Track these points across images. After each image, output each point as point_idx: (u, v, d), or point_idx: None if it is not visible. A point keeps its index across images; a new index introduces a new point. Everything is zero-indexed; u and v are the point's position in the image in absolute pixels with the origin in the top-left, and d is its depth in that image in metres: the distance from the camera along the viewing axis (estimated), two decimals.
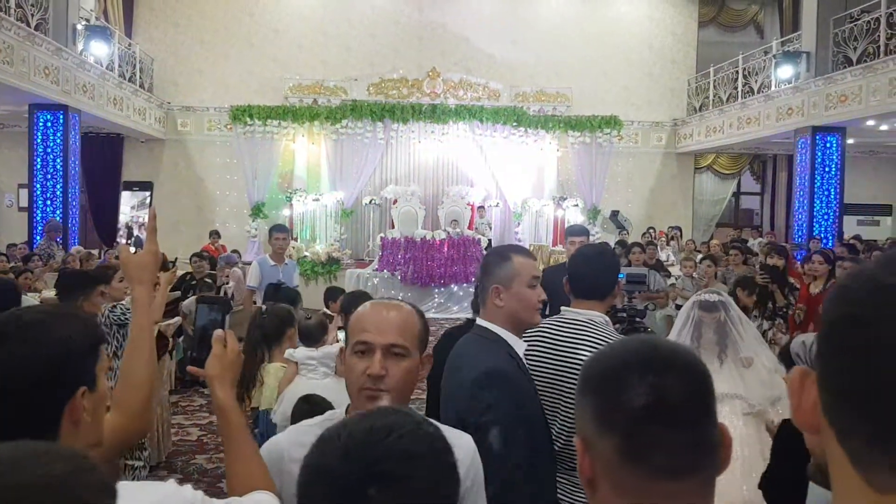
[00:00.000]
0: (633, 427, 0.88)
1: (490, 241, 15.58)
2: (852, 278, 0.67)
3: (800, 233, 13.07)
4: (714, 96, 17.02)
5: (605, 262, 2.84)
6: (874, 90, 11.50)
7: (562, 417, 2.53)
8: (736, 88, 16.01)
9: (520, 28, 18.22)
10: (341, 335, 5.21)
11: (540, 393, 2.52)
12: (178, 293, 7.93)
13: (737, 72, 16.01)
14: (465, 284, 13.61)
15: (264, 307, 4.48)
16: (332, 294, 5.78)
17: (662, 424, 0.87)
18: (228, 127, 16.94)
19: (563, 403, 2.53)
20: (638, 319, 3.14)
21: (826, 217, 12.81)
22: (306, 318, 4.31)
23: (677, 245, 14.76)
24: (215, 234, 14.98)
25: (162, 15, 17.55)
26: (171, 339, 6.16)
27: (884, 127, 14.13)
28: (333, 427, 0.99)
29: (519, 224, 17.00)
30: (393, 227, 15.84)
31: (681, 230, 16.33)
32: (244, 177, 16.81)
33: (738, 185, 19.88)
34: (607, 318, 2.80)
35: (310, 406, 3.05)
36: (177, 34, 17.51)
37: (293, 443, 1.63)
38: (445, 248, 14.09)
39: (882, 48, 11.69)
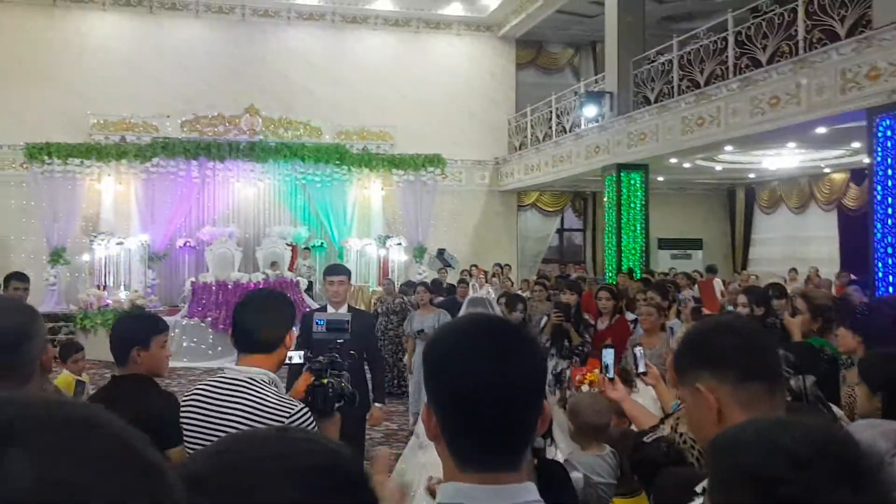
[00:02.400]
0: None
1: (311, 282, 15.02)
2: None
3: (610, 267, 13.43)
4: (532, 135, 17.44)
5: (271, 310, 2.46)
6: (669, 128, 12.04)
7: None
8: (550, 128, 16.46)
9: (341, 66, 17.98)
10: None
11: None
12: None
13: (551, 112, 16.49)
14: None
15: None
16: (65, 351, 5.09)
17: None
18: (24, 166, 15.56)
19: None
20: (334, 371, 2.74)
21: (634, 251, 13.25)
22: None
23: (499, 281, 14.81)
24: None
25: None
26: None
27: (686, 164, 14.91)
28: None
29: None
30: (207, 270, 14.97)
31: (502, 267, 16.34)
32: (42, 220, 15.46)
33: (562, 221, 20.41)
34: (273, 376, 2.40)
35: None
36: None
37: None
38: None
39: (675, 88, 12.31)
